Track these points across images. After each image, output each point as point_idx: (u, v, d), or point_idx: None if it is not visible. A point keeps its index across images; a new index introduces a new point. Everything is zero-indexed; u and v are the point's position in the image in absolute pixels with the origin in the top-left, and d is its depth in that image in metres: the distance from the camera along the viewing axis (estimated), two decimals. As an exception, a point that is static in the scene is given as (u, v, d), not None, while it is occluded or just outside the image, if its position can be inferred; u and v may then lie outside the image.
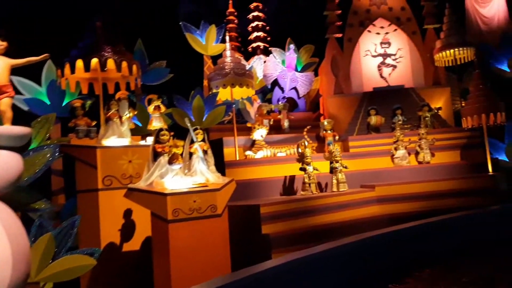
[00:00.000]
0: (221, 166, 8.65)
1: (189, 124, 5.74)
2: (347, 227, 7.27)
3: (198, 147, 5.72)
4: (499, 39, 12.77)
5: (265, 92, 11.82)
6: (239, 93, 9.43)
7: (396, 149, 9.84)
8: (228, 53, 9.06)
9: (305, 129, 9.81)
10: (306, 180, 8.11)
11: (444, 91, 11.88)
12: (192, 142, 5.76)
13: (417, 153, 9.94)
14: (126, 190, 5.47)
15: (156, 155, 5.57)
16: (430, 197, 8.58)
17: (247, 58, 12.81)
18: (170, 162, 5.45)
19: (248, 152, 9.44)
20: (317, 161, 8.62)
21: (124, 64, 6.98)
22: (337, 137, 10.14)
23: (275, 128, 10.65)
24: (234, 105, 9.05)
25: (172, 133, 5.90)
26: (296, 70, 11.99)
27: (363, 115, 11.25)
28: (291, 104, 11.82)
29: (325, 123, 10.21)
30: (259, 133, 9.46)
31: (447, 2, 11.30)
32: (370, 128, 10.77)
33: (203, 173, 5.66)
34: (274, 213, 6.63)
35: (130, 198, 5.44)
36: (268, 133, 9.83)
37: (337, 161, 8.48)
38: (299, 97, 11.64)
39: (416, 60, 12.08)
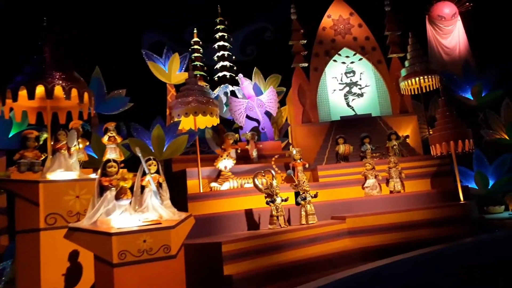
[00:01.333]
0: (183, 199, 8.11)
1: (140, 154, 5.21)
2: (317, 263, 6.80)
3: (150, 180, 5.17)
4: (461, 68, 13.08)
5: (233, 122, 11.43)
6: (203, 122, 9.01)
7: (366, 178, 9.57)
8: (191, 81, 8.69)
9: (273, 158, 9.46)
10: (274, 212, 7.63)
11: (411, 119, 11.87)
12: (144, 174, 5.21)
13: (387, 182, 9.70)
14: (67, 230, 4.83)
15: (102, 190, 4.99)
16: (403, 228, 8.24)
17: (214, 88, 12.48)
18: (118, 197, 4.89)
19: (213, 184, 8.93)
20: (285, 191, 8.19)
21: (74, 91, 6.43)
22: (307, 165, 9.83)
23: (243, 158, 10.23)
24: (196, 134, 8.57)
25: (122, 165, 5.35)
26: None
27: (331, 144, 11.02)
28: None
29: (294, 152, 9.90)
30: (225, 163, 8.99)
31: (410, 32, 11.47)
32: (339, 157, 10.52)
33: (155, 208, 5.10)
34: (238, 251, 6.07)
35: (71, 239, 4.79)
36: (236, 163, 9.39)
37: (305, 191, 8.06)
38: (271, 121, 11.27)
39: (382, 88, 12.11)
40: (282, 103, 12.50)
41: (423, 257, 5.30)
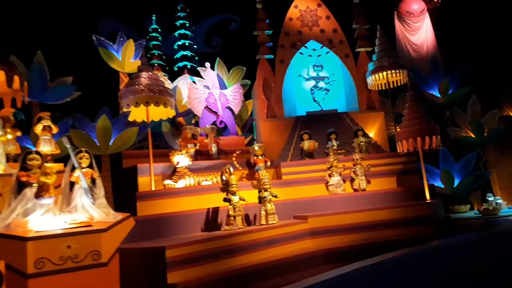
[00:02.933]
0: (133, 198, 7.38)
1: (68, 145, 4.47)
2: (276, 266, 6.25)
3: (81, 175, 4.45)
4: (429, 65, 12.90)
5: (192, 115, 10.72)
6: (157, 114, 8.29)
7: (330, 175, 9.13)
8: (143, 68, 7.95)
9: (234, 154, 8.88)
10: (231, 212, 7.02)
11: (378, 115, 11.57)
12: (74, 168, 4.48)
13: (352, 180, 9.31)
14: (-26, 234, 4.04)
15: (21, 186, 4.24)
16: (368, 228, 7.84)
17: (173, 79, 11.72)
18: (38, 195, 4.15)
19: (167, 181, 8.22)
20: (246, 190, 7.60)
21: (1, 75, 5.62)
22: (268, 163, 9.31)
23: (202, 153, 9.57)
24: (148, 127, 7.84)
25: (49, 158, 4.60)
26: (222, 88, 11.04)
27: (296, 140, 10.54)
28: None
29: (256, 147, 9.36)
30: (180, 159, 8.30)
31: (378, 25, 11.12)
32: (303, 153, 10.04)
33: (86, 208, 4.39)
34: (186, 255, 5.42)
35: (-22, 245, 4.01)
36: (195, 159, 8.74)
37: (266, 190, 7.50)
38: (234, 116, 10.63)
39: (349, 83, 11.74)
40: (247, 96, 11.91)
41: (387, 262, 4.84)
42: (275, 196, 7.59)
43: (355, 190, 9.24)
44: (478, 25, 13.21)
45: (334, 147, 10.16)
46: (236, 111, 10.49)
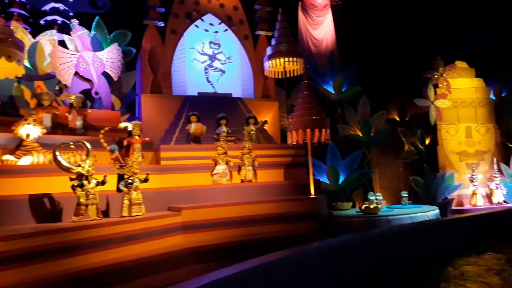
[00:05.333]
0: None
1: None
2: (131, 268, 5.15)
3: None
4: (326, 61, 12.79)
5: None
6: (2, 71, 6.47)
7: (216, 164, 8.24)
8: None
9: (102, 131, 7.46)
10: (82, 200, 5.66)
11: (272, 105, 11.01)
12: None
13: (239, 170, 8.54)
14: None
15: None
16: (248, 223, 7.14)
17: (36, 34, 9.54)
18: None
19: (7, 157, 6.49)
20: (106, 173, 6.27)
21: None
22: (148, 139, 8.11)
23: (65, 127, 7.92)
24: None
25: None
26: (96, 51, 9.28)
27: (184, 122, 9.41)
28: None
29: (131, 125, 8.07)
30: (28, 130, 6.62)
31: (280, 8, 10.48)
32: (190, 137, 8.99)
33: None
34: (4, 253, 4.01)
35: None
36: (53, 133, 7.16)
37: (133, 174, 6.27)
38: (110, 84, 8.98)
39: (246, 67, 10.96)
40: (130, 67, 10.37)
41: (263, 267, 4.06)
42: (146, 180, 6.40)
43: (242, 181, 8.51)
44: (377, 26, 13.53)
45: (224, 134, 9.30)
46: (114, 76, 8.88)
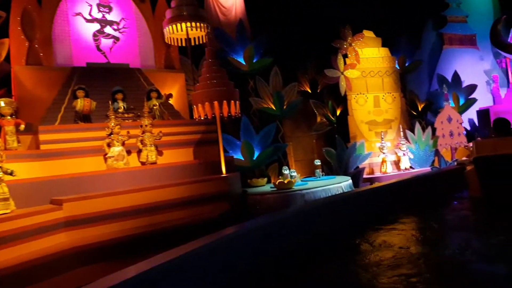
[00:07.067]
0: None
1: None
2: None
3: None
4: (236, 29, 11.96)
5: None
6: None
7: (109, 145, 7.09)
8: None
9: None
10: None
11: (178, 76, 9.94)
12: None
13: (139, 152, 7.49)
14: None
15: None
16: (150, 211, 6.26)
17: None
18: None
19: None
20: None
21: None
22: (22, 126, 6.70)
23: None
24: None
25: None
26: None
27: (70, 98, 7.99)
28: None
29: (2, 104, 6.62)
30: None
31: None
32: (77, 116, 7.65)
33: None
34: None
35: None
36: None
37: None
38: None
39: (144, 34, 9.68)
40: (1, 33, 8.51)
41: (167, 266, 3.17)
42: (11, 174, 5.13)
43: (143, 163, 7.49)
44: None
45: (120, 110, 8.12)
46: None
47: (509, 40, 14.61)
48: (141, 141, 7.45)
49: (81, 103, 7.45)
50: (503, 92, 15.14)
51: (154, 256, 3.00)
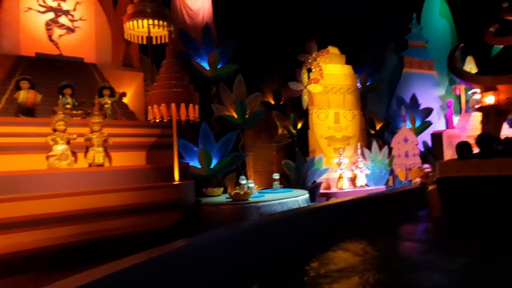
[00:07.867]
0: None
1: None
2: None
3: None
4: (201, 34, 11.65)
5: None
6: None
7: (54, 142, 6.50)
8: None
9: None
10: None
11: (136, 75, 9.44)
12: None
13: (87, 151, 6.94)
14: None
15: None
16: (93, 217, 5.75)
17: None
18: None
19: None
20: None
21: None
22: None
23: None
24: None
25: None
26: None
27: (13, 89, 7.32)
28: None
29: None
30: None
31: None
32: (19, 109, 7.00)
33: None
34: None
35: None
36: None
37: None
38: None
39: (103, 28, 9.13)
40: None
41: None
42: None
43: (90, 165, 6.94)
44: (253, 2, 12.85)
45: (69, 106, 7.54)
46: None
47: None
48: (89, 141, 6.91)
49: (24, 95, 6.82)
50: (456, 117, 15.75)
51: (79, 274, 2.58)
